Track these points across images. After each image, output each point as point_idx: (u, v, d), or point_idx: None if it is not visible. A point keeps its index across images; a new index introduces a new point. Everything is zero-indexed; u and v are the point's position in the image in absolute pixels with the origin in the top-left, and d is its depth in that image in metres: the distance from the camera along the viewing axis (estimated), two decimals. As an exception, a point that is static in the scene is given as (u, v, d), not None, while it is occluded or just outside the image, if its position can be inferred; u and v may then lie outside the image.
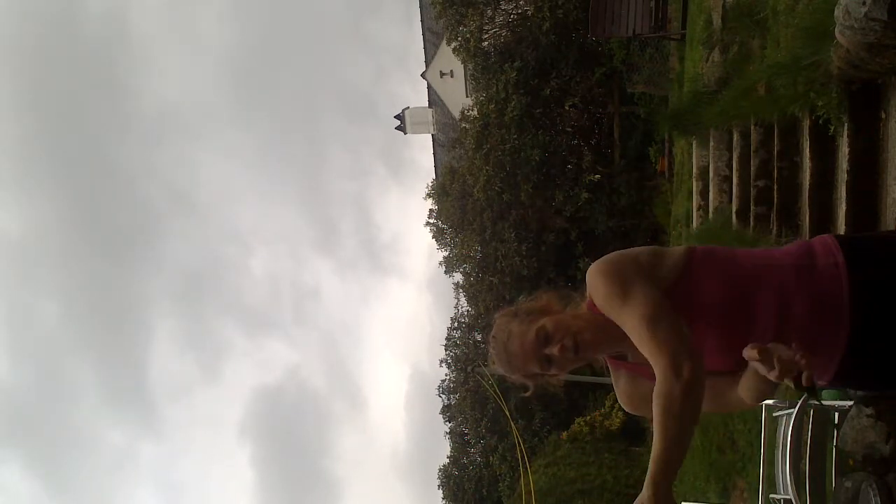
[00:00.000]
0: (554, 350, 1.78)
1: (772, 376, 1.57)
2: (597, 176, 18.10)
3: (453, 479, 23.26)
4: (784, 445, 4.17)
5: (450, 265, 21.10)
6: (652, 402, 1.83)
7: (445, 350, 22.74)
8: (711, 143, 7.17)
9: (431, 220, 21.28)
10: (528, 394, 1.97)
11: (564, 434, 17.46)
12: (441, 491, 23.56)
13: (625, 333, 1.78)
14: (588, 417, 17.48)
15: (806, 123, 4.76)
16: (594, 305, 1.81)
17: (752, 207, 5.88)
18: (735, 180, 6.40)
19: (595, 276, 1.76)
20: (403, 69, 59.65)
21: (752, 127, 5.75)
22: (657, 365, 1.59)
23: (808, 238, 4.82)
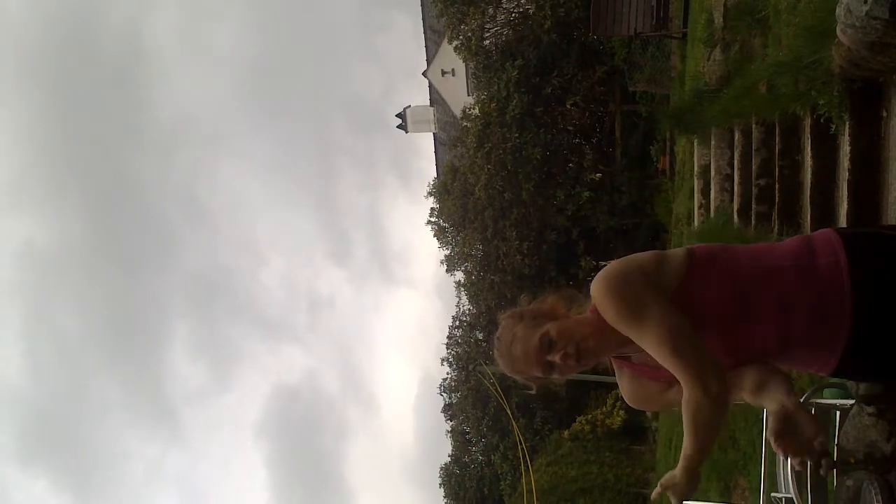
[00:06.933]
0: (556, 358, 1.79)
1: (795, 462, 1.68)
2: (598, 174, 18.10)
3: (455, 478, 23.28)
4: (785, 444, 4.17)
5: (451, 264, 21.10)
6: (655, 401, 1.84)
7: (447, 348, 22.77)
8: (713, 142, 7.17)
9: (433, 219, 21.28)
10: (531, 391, 1.99)
11: (566, 432, 17.47)
12: (442, 489, 23.58)
13: (628, 338, 1.78)
14: (589, 416, 17.49)
15: (807, 122, 4.75)
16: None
17: (753, 206, 5.87)
18: (736, 179, 6.40)
19: (602, 296, 1.73)
20: (412, 78, 60.03)
21: (754, 125, 5.75)
22: (685, 382, 1.64)
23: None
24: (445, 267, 21.30)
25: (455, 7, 17.97)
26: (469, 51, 18.27)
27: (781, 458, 4.24)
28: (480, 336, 21.23)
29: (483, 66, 18.10)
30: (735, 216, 6.32)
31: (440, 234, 21.10)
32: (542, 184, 17.47)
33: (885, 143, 3.95)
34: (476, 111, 18.49)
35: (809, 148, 4.73)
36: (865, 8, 3.18)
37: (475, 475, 22.74)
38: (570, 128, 18.91)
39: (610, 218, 17.59)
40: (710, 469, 7.52)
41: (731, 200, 6.59)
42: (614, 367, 1.97)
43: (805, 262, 1.72)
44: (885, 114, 3.92)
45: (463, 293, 21.88)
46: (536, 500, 12.95)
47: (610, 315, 1.73)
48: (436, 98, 27.34)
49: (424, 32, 26.40)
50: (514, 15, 18.69)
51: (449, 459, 24.08)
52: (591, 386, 17.58)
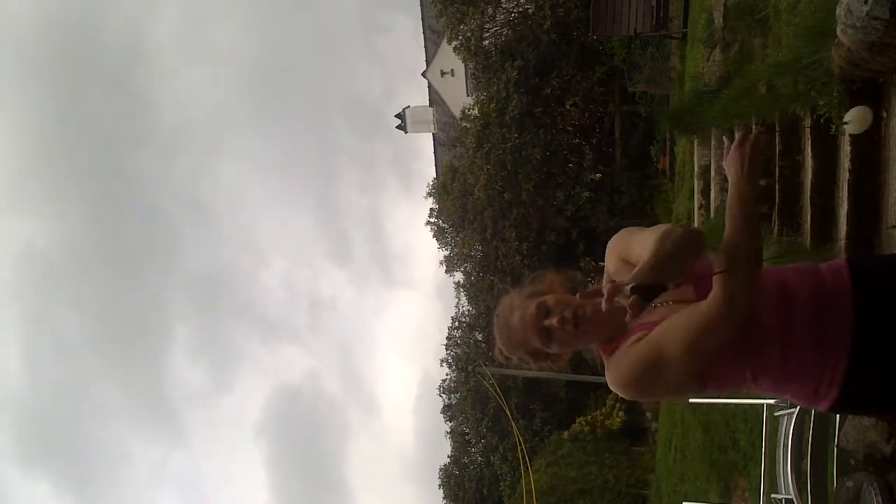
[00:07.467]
0: (553, 321, 1.77)
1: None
2: (598, 175, 18.09)
3: (454, 479, 23.26)
4: (785, 445, 4.17)
5: (450, 264, 21.09)
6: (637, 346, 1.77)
7: (446, 349, 22.76)
8: (713, 142, 7.17)
9: (432, 220, 21.28)
10: (529, 373, 2.00)
11: (565, 433, 17.46)
12: (442, 490, 23.57)
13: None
14: (589, 417, 17.48)
15: (807, 122, 4.74)
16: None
17: (753, 206, 5.85)
18: (736, 179, 6.38)
19: (619, 232, 1.90)
20: (411, 78, 60.20)
21: (754, 126, 5.74)
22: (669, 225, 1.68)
23: (808, 236, 4.81)
24: (445, 268, 21.32)
25: (454, 7, 17.97)
26: (468, 51, 18.26)
27: (781, 457, 4.24)
28: (480, 337, 21.23)
29: (482, 66, 18.10)
30: (735, 216, 6.30)
31: (440, 234, 21.10)
32: (541, 184, 17.46)
33: (885, 143, 3.94)
34: (475, 111, 18.49)
35: (809, 148, 4.72)
36: (865, 8, 3.17)
37: (474, 476, 22.73)
38: (570, 128, 18.91)
39: (610, 218, 17.58)
40: (710, 469, 7.51)
41: (731, 201, 6.57)
42: (604, 359, 1.96)
43: (806, 268, 1.76)
44: (885, 114, 3.92)
45: (462, 294, 21.89)
46: (536, 500, 12.96)
47: (621, 236, 1.87)
48: (435, 98, 27.33)
49: (424, 33, 26.40)
50: (513, 15, 18.69)
51: (448, 460, 24.08)
52: (591, 387, 17.58)
